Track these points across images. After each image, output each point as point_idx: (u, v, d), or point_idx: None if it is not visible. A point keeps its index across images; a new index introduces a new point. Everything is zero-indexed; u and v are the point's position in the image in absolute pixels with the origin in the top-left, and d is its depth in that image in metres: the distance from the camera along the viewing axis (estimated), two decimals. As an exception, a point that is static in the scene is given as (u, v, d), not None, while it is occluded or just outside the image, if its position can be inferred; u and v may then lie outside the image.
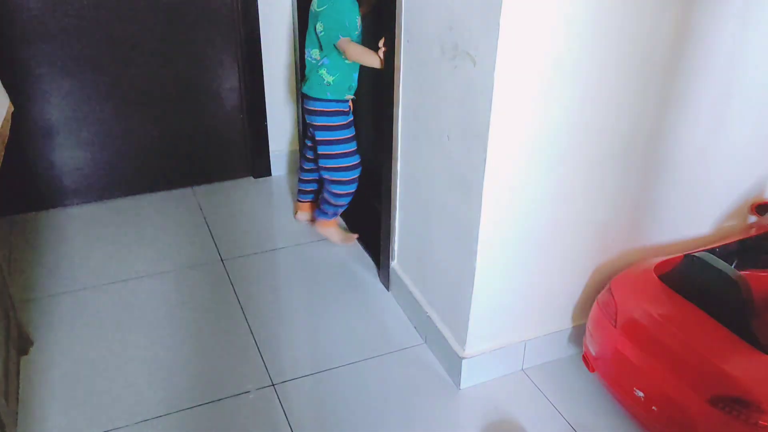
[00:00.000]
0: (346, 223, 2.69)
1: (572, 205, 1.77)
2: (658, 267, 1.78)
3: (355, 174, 2.43)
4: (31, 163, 2.65)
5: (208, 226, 2.66)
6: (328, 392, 1.90)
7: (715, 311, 1.59)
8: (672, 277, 1.72)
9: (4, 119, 1.74)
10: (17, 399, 1.83)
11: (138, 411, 1.82)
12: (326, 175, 2.46)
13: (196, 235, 2.61)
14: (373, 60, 2.19)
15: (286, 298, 2.32)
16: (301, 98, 2.49)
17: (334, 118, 2.37)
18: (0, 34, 2.39)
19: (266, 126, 2.94)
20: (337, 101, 2.36)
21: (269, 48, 2.79)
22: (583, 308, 1.98)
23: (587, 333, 1.85)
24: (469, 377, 1.91)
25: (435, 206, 1.91)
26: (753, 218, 2.10)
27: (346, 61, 2.30)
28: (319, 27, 2.25)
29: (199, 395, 1.87)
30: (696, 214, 2.01)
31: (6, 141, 1.71)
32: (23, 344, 2.00)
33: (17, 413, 1.79)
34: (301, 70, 2.74)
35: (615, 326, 1.72)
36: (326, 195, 2.50)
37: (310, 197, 2.69)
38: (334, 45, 2.24)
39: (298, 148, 3.05)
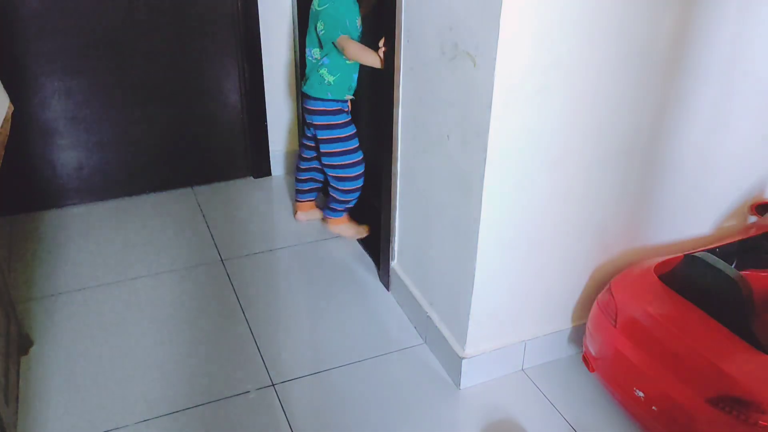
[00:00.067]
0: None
1: (572, 205, 1.77)
2: (658, 267, 1.78)
3: (359, 170, 2.44)
4: (31, 163, 2.65)
5: (208, 226, 2.66)
6: (328, 392, 1.90)
7: (715, 311, 1.59)
8: (672, 277, 1.72)
9: (4, 119, 1.73)
10: (17, 399, 1.83)
11: (138, 411, 1.82)
12: (331, 173, 2.47)
13: (196, 235, 2.61)
14: (372, 59, 2.19)
15: (286, 298, 2.32)
16: (301, 97, 2.49)
17: (334, 117, 2.37)
18: (0, 33, 2.39)
19: (266, 126, 2.94)
20: (338, 101, 2.36)
21: (269, 48, 2.79)
22: (583, 308, 1.98)
23: (587, 333, 1.85)
24: (469, 377, 1.91)
25: (435, 206, 1.91)
26: (753, 218, 2.10)
27: (347, 62, 2.30)
28: (319, 26, 2.25)
29: (199, 395, 1.87)
30: (696, 214, 2.01)
31: (6, 141, 1.71)
32: (23, 344, 2.00)
33: (17, 413, 1.79)
34: (301, 69, 2.74)
35: (615, 326, 1.72)
36: (333, 193, 2.51)
37: (308, 196, 2.69)
38: (334, 43, 2.24)
39: (297, 148, 3.05)
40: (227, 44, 2.75)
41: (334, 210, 2.54)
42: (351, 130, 2.42)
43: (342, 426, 1.80)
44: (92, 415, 1.81)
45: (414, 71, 1.88)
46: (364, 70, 2.35)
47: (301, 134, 2.81)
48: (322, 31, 2.25)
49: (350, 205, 2.54)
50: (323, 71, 2.32)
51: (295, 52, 2.84)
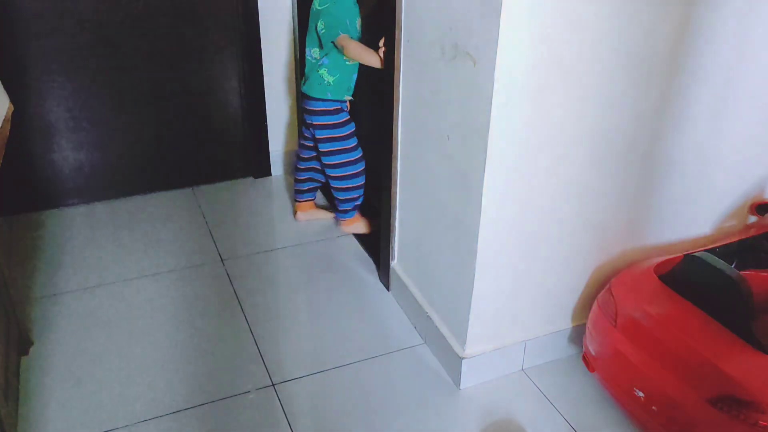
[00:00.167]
0: (346, 223, 2.69)
1: (572, 205, 1.77)
2: (658, 267, 1.78)
3: (360, 167, 2.45)
4: (31, 163, 2.65)
5: (208, 226, 2.66)
6: (328, 392, 1.90)
7: (715, 311, 1.59)
8: (672, 277, 1.72)
9: (4, 119, 1.74)
10: (17, 399, 1.83)
11: (138, 411, 1.82)
12: (332, 173, 2.46)
13: (196, 235, 2.61)
14: (372, 59, 2.19)
15: (286, 298, 2.32)
16: (301, 97, 2.49)
17: (334, 117, 2.38)
18: (0, 33, 2.39)
19: (266, 126, 2.94)
20: (337, 101, 2.36)
21: (269, 48, 2.79)
22: (583, 308, 1.98)
23: (587, 333, 1.85)
24: (469, 377, 1.91)
25: (435, 206, 1.91)
26: (753, 218, 2.10)
27: (347, 62, 2.30)
28: (320, 25, 2.25)
29: (199, 395, 1.87)
30: (696, 214, 2.01)
31: (6, 141, 1.71)
32: (23, 344, 2.00)
33: (17, 413, 1.79)
34: (301, 69, 2.74)
35: (615, 326, 1.72)
36: (337, 195, 2.51)
37: (308, 196, 2.69)
38: (334, 42, 2.24)
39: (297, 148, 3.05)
40: (227, 44, 2.75)
41: (345, 211, 2.54)
42: (350, 128, 2.42)
43: (342, 426, 1.80)
44: (92, 415, 1.81)
45: (414, 71, 1.88)
46: (364, 70, 2.35)
47: (300, 134, 2.81)
48: (323, 30, 2.25)
49: (358, 203, 2.54)
50: (323, 71, 2.32)
51: (295, 52, 2.84)
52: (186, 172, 2.92)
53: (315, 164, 2.58)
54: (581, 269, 1.92)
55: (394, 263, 2.25)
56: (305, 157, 2.58)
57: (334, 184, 2.49)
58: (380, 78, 2.11)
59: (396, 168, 2.10)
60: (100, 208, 2.77)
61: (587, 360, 1.85)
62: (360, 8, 2.29)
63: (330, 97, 2.34)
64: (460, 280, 1.82)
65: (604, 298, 1.79)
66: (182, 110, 2.80)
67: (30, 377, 1.92)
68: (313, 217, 2.70)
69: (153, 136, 2.79)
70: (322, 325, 2.17)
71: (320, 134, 2.41)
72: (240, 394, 1.88)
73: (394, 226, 2.19)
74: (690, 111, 1.78)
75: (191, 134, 2.86)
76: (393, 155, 2.08)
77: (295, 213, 2.73)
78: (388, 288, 2.31)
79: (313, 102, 2.37)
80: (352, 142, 2.42)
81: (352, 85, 2.38)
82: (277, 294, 2.33)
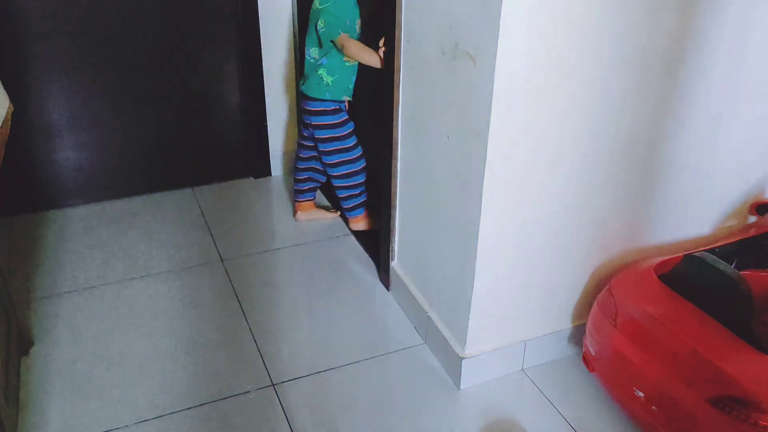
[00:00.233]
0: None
1: (572, 204, 1.77)
2: (658, 267, 1.78)
3: (361, 164, 2.46)
4: (31, 163, 2.65)
5: (208, 226, 2.66)
6: (328, 392, 1.90)
7: (715, 311, 1.59)
8: (672, 277, 1.72)
9: (4, 119, 1.73)
10: (17, 399, 1.83)
11: (138, 411, 1.82)
12: (333, 172, 2.47)
13: (196, 235, 2.61)
14: (372, 59, 2.19)
15: (286, 298, 2.32)
16: (299, 97, 2.49)
17: (332, 117, 2.38)
18: (0, 34, 2.39)
19: (266, 126, 2.94)
20: (336, 101, 2.36)
21: (269, 48, 2.79)
22: (583, 308, 1.98)
23: (587, 333, 1.85)
24: (469, 377, 1.91)
25: (435, 206, 1.91)
26: (753, 218, 2.10)
27: (346, 63, 2.30)
28: (320, 24, 2.25)
29: (199, 395, 1.87)
30: (696, 214, 2.01)
31: (6, 141, 1.71)
32: (23, 344, 2.00)
33: (18, 414, 1.79)
34: (300, 69, 2.74)
35: (615, 326, 1.72)
36: (340, 194, 2.51)
37: (307, 196, 2.69)
38: (334, 42, 2.24)
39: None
40: (227, 44, 2.75)
41: (352, 209, 2.55)
42: (349, 128, 2.42)
43: (342, 426, 1.80)
44: (92, 415, 1.81)
45: (414, 71, 1.88)
46: (364, 70, 2.35)
47: (299, 134, 2.81)
48: (323, 29, 2.25)
49: (363, 199, 2.54)
50: (322, 71, 2.32)
51: (294, 52, 2.84)
52: (186, 172, 2.92)
53: (314, 164, 2.59)
54: (581, 269, 1.92)
55: (394, 263, 2.25)
56: (304, 156, 2.58)
57: (336, 183, 2.49)
58: (380, 78, 2.11)
59: (396, 168, 2.10)
60: (100, 209, 2.77)
61: (587, 360, 1.85)
62: (360, 8, 2.29)
63: (328, 98, 2.35)
64: (460, 280, 1.82)
65: (604, 298, 1.79)
66: (182, 110, 2.80)
67: (30, 377, 1.92)
68: (313, 216, 2.71)
69: (153, 136, 2.79)
70: (322, 325, 2.17)
71: (319, 134, 2.41)
72: (240, 394, 1.88)
73: (394, 225, 2.19)
74: (690, 111, 1.78)
75: (191, 134, 2.86)
76: (393, 155, 2.08)
77: (295, 213, 2.73)
78: (388, 288, 2.31)
79: (312, 102, 2.37)
80: (352, 141, 2.43)
81: (351, 86, 2.38)
82: (277, 294, 2.33)
